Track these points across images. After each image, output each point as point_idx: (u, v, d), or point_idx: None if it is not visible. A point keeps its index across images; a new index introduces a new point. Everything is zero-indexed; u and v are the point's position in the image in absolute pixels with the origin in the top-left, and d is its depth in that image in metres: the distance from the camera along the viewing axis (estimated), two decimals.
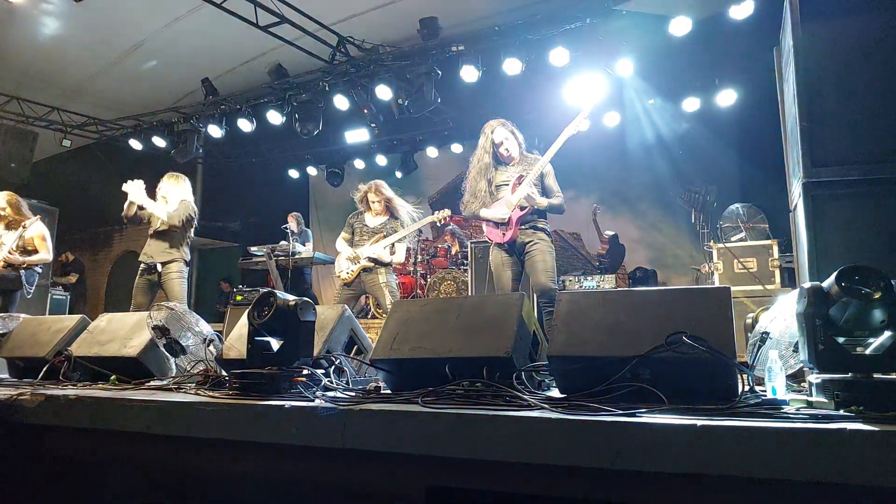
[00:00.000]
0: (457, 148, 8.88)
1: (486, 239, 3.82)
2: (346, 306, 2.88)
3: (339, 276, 4.53)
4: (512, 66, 6.38)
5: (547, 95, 7.03)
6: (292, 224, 7.34)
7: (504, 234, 3.65)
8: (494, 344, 2.05)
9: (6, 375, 3.45)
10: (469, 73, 6.52)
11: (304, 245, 7.31)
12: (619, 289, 3.69)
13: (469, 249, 6.57)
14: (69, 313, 8.12)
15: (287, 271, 6.69)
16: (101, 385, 2.82)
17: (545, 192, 3.69)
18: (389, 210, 4.56)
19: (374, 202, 4.55)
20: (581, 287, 6.08)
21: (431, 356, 2.13)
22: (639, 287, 4.13)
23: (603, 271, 6.99)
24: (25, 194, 8.04)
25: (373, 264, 4.44)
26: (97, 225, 10.80)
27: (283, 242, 6.98)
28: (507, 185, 3.70)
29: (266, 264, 6.93)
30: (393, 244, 4.47)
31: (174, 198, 4.81)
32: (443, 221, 4.48)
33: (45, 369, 3.08)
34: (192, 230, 4.75)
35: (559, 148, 3.60)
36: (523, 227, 3.64)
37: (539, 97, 7.19)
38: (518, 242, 3.65)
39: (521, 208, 3.61)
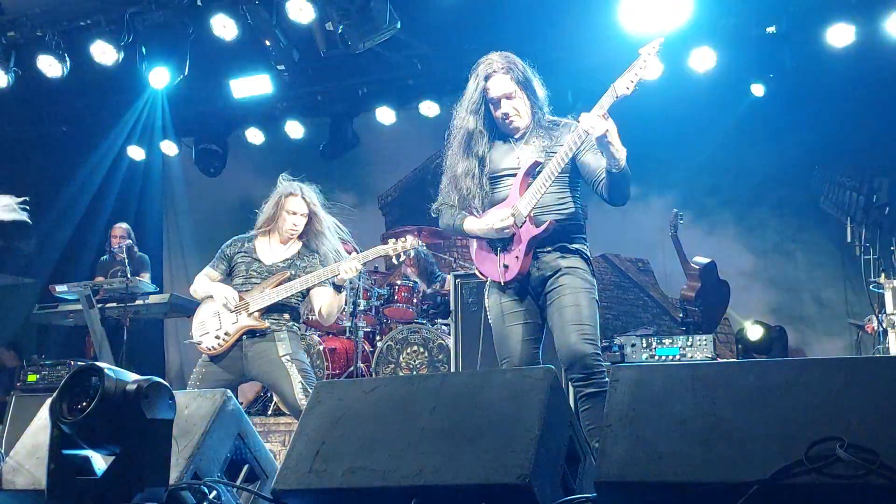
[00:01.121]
0: (429, 108, 8.94)
1: (477, 272, 3.90)
2: (228, 392, 2.94)
3: (199, 344, 4.66)
4: None
5: (588, 16, 7.13)
6: (120, 241, 7.57)
7: (507, 265, 3.69)
8: (501, 462, 2.10)
9: None
10: None
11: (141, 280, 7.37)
12: (719, 360, 3.45)
13: (452, 288, 6.49)
14: None
15: (122, 329, 6.62)
16: None
17: (586, 175, 3.69)
18: (308, 234, 4.79)
19: (294, 216, 4.74)
20: (654, 357, 6.04)
21: (383, 484, 2.19)
22: (755, 358, 3.92)
23: (691, 329, 6.98)
24: None
25: (265, 325, 4.55)
26: None
27: (113, 278, 7.08)
28: (513, 174, 3.74)
29: (82, 316, 6.79)
30: (306, 291, 4.69)
31: None
32: (401, 253, 4.62)
33: None
34: None
35: (608, 107, 3.52)
36: (542, 250, 3.67)
37: (573, 20, 7.28)
38: (534, 277, 3.69)
39: (537, 223, 3.63)
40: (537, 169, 3.66)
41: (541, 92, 3.80)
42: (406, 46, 8.33)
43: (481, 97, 3.75)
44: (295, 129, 9.50)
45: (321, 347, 7.15)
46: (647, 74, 3.51)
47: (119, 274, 7.31)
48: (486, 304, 3.87)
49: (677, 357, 5.92)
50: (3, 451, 2.91)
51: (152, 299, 7.02)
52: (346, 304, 6.87)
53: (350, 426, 2.39)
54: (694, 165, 8.45)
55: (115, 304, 6.81)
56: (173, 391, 2.46)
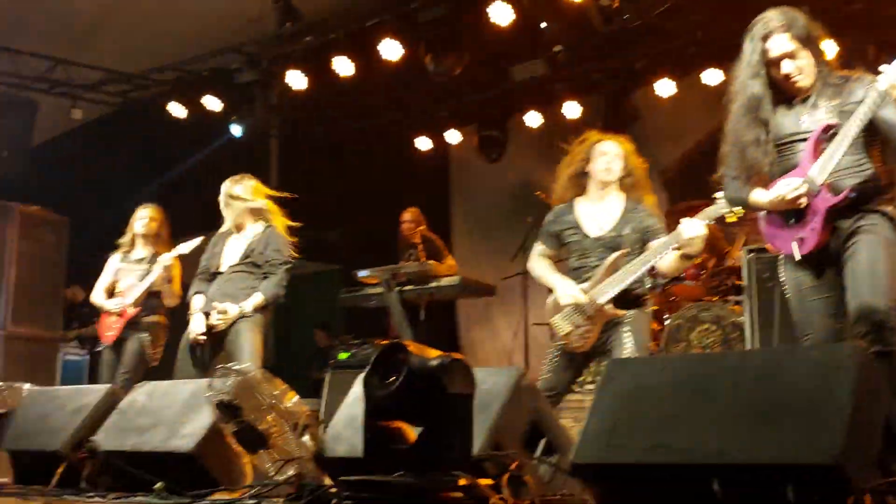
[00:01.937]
0: (712, 76, 8.57)
1: (769, 247, 3.75)
2: (522, 369, 3.03)
3: (563, 338, 4.42)
4: None
5: None
6: (411, 227, 7.82)
7: (802, 238, 3.46)
8: (809, 441, 2.03)
9: (7, 480, 4.00)
10: None
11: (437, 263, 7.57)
12: None
13: (745, 263, 6.32)
14: (88, 382, 8.63)
15: (418, 310, 6.89)
16: (141, 498, 3.14)
17: (886, 132, 3.40)
18: (624, 185, 4.57)
19: (605, 156, 4.56)
20: None
21: (683, 461, 2.17)
22: None
23: None
24: (21, 197, 8.79)
25: (623, 313, 4.33)
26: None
27: (408, 262, 7.37)
28: (802, 139, 3.51)
29: (383, 298, 7.11)
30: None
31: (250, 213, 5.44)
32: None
33: (60, 471, 3.51)
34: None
35: None
36: (840, 220, 3.43)
37: None
38: (832, 248, 3.46)
39: (834, 190, 3.38)
40: (830, 132, 3.41)
41: (827, 47, 3.58)
42: (685, 13, 8.02)
43: (760, 59, 3.53)
44: (572, 110, 9.48)
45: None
46: None
47: (412, 258, 7.60)
48: (782, 280, 3.67)
49: None
50: (325, 422, 3.11)
51: (444, 282, 7.19)
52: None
53: (646, 404, 2.38)
54: None
55: (411, 287, 7.05)
56: (471, 368, 2.55)
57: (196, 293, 5.34)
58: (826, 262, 3.48)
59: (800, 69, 3.48)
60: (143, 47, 9.57)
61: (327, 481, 2.98)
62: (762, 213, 3.67)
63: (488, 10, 7.43)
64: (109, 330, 6.19)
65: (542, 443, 2.90)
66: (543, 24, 7.70)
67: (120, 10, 8.91)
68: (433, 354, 2.50)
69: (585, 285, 4.38)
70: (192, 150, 10.73)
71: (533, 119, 9.71)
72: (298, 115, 10.55)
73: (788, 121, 3.54)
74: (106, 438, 3.63)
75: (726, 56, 8.02)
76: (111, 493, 3.29)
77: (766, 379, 2.24)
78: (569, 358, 4.44)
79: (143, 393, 3.86)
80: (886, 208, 3.42)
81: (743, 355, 2.41)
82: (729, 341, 6.55)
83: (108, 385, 4.08)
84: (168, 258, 5.96)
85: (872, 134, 3.42)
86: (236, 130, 9.47)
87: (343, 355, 6.76)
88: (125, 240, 6.45)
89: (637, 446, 2.27)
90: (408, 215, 8.34)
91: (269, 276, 5.24)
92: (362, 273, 7.37)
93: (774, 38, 3.48)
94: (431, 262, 7.38)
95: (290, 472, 2.99)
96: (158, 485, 3.16)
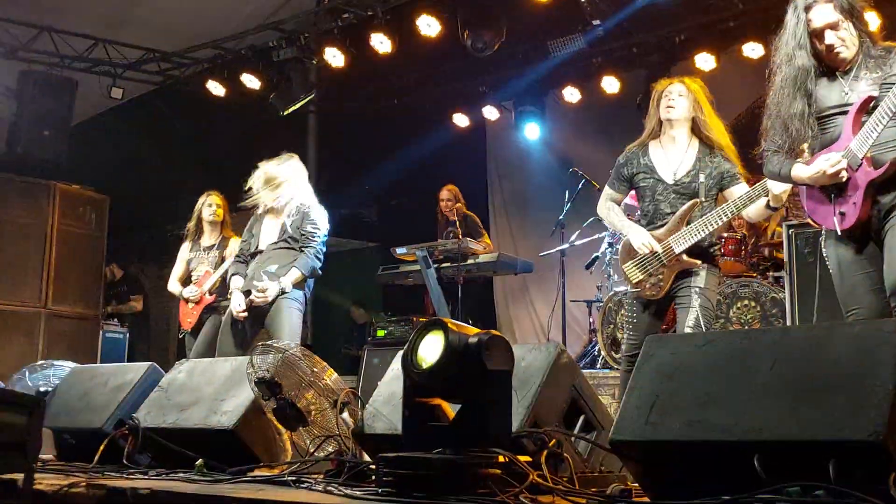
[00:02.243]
0: (752, 49, 8.40)
1: (811, 221, 3.69)
2: (562, 345, 2.96)
3: (634, 281, 4.44)
4: None
5: None
6: (449, 205, 7.82)
7: (843, 212, 3.42)
8: (851, 418, 2.01)
9: (51, 456, 4.06)
10: None
11: (474, 240, 7.62)
12: None
13: (785, 238, 6.22)
14: (128, 360, 8.75)
15: (457, 287, 6.92)
16: (182, 474, 3.17)
17: None
18: (696, 126, 4.56)
19: (668, 98, 4.53)
20: None
21: (723, 438, 2.16)
22: None
23: None
24: (62, 176, 8.90)
25: (697, 262, 4.32)
26: (163, 220, 11.61)
27: (447, 240, 7.35)
28: (843, 112, 3.46)
29: (421, 275, 7.14)
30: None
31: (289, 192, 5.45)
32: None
33: (102, 448, 3.56)
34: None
35: None
36: (881, 194, 3.37)
37: None
38: (874, 222, 3.41)
39: (875, 164, 3.32)
40: (872, 105, 3.34)
41: (871, 18, 3.51)
42: None
43: (804, 30, 3.48)
44: (611, 84, 9.39)
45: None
46: None
47: (450, 235, 7.62)
48: (825, 255, 3.63)
49: None
50: (363, 399, 3.11)
51: (482, 258, 7.24)
52: None
53: (685, 380, 2.36)
54: None
55: (448, 264, 7.10)
56: (509, 344, 2.54)
57: (234, 275, 5.39)
58: (868, 236, 3.44)
59: (842, 40, 3.42)
60: (181, 26, 9.63)
61: (366, 458, 3.00)
62: (803, 188, 3.62)
63: None
64: (189, 317, 6.42)
65: (581, 419, 2.90)
66: None
67: None
68: (471, 332, 2.49)
69: (659, 232, 4.35)
70: (231, 128, 10.81)
71: (571, 94, 9.64)
72: (336, 91, 10.59)
73: (830, 93, 3.49)
74: (147, 415, 3.67)
75: (767, 29, 8.02)
76: (152, 469, 3.34)
77: (808, 355, 2.22)
78: (643, 305, 4.43)
79: (184, 370, 3.90)
80: None
81: (784, 331, 2.38)
82: (768, 318, 6.51)
83: (149, 363, 4.12)
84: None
85: None
86: (277, 108, 9.50)
87: (380, 333, 6.79)
88: (191, 227, 6.61)
89: (676, 423, 2.25)
90: (445, 193, 8.36)
91: (305, 249, 5.28)
92: (400, 250, 7.41)
93: (817, 8, 3.43)
94: (469, 238, 7.38)
95: (330, 449, 3.02)
96: (199, 461, 3.20)
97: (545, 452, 2.49)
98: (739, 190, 4.34)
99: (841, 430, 1.99)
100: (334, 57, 8.82)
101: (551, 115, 10.14)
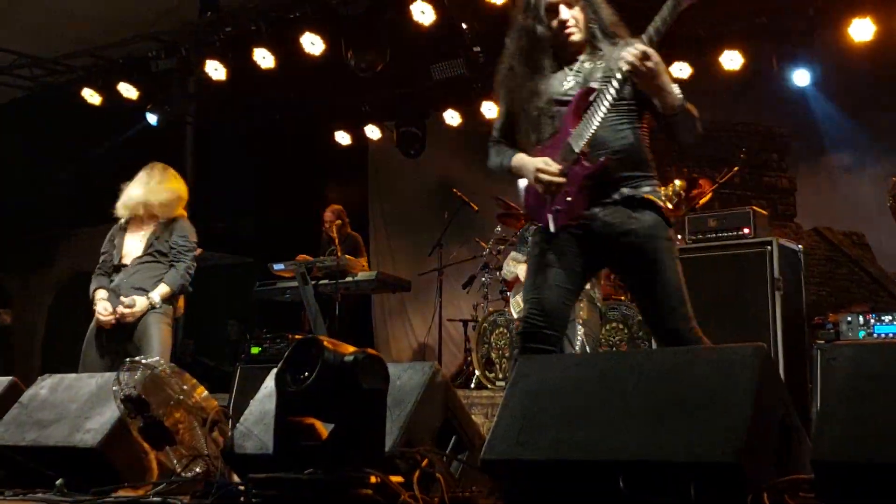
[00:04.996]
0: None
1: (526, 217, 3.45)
2: (437, 365, 2.94)
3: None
4: None
5: None
6: (332, 222, 7.72)
7: (558, 209, 3.16)
8: (711, 439, 2.06)
9: None
10: None
11: (354, 258, 7.61)
12: None
13: None
14: None
15: (334, 304, 6.84)
16: (41, 494, 3.06)
17: (647, 105, 3.18)
18: None
19: None
20: (872, 335, 5.64)
21: (588, 458, 2.19)
22: None
23: None
24: None
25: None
26: (30, 229, 11.19)
27: (326, 256, 7.27)
28: (565, 103, 3.23)
29: (299, 292, 7.05)
30: None
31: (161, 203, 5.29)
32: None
33: None
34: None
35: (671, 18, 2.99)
36: (606, 199, 3.15)
37: None
38: (596, 229, 3.17)
39: (586, 158, 3.10)
40: (592, 97, 3.11)
41: (607, 10, 3.31)
42: None
43: (543, 4, 3.24)
44: (490, 110, 9.49)
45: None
46: None
47: (331, 254, 7.59)
48: (528, 250, 3.44)
49: None
50: (233, 418, 3.06)
51: (360, 276, 7.22)
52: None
53: (554, 400, 2.39)
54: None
55: (326, 281, 7.04)
56: (384, 363, 2.53)
57: (97, 288, 5.17)
58: (584, 236, 3.19)
59: (576, 20, 3.25)
60: (58, 31, 9.32)
61: (235, 479, 2.93)
62: (523, 183, 3.38)
63: (411, 7, 7.44)
64: None
65: (454, 439, 2.90)
66: (464, 25, 7.74)
67: None
68: (348, 350, 2.48)
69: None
70: (105, 137, 10.51)
71: (451, 117, 9.74)
72: (216, 104, 10.41)
73: (555, 82, 3.28)
74: (5, 432, 3.51)
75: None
76: (8, 489, 3.20)
77: (671, 377, 2.27)
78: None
79: (47, 386, 3.74)
80: (654, 197, 3.19)
81: (648, 353, 2.42)
82: (635, 340, 6.66)
83: (9, 378, 3.92)
84: None
85: (639, 104, 3.21)
86: (152, 119, 9.30)
87: (255, 350, 6.68)
88: None
89: (545, 443, 2.28)
90: (329, 214, 8.32)
91: (175, 264, 5.15)
92: (277, 266, 7.35)
93: None
94: (348, 256, 7.36)
95: (198, 469, 2.95)
96: (59, 481, 3.07)
97: (417, 472, 2.45)
98: None
99: (701, 452, 2.04)
100: (216, 70, 8.68)
101: (433, 135, 10.24)
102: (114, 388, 3.10)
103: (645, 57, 2.90)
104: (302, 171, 10.58)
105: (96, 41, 9.41)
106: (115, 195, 5.35)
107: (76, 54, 9.60)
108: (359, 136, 10.37)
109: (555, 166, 3.12)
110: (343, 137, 10.37)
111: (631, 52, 2.92)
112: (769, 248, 5.48)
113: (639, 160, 3.20)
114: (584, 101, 3.13)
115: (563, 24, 3.22)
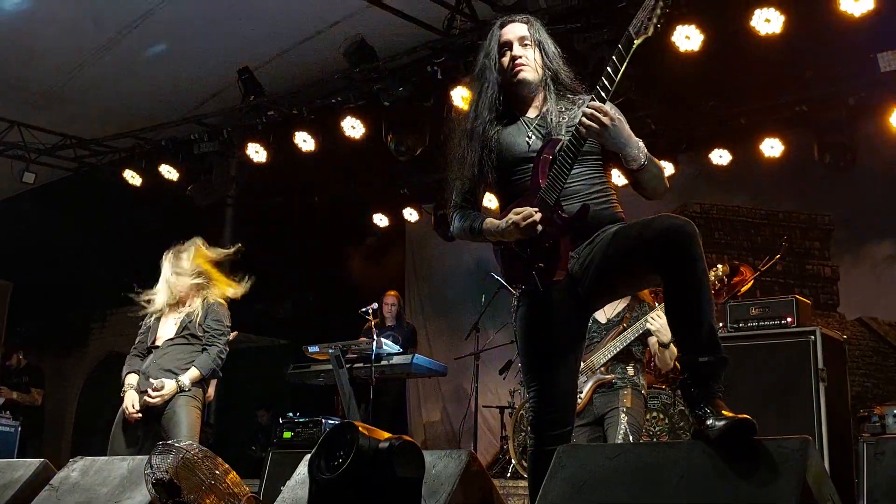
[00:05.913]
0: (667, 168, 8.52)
1: (510, 288, 3.31)
2: (473, 453, 2.93)
3: None
4: None
5: None
6: (392, 310, 7.91)
7: (542, 266, 3.09)
8: None
9: None
10: None
11: (401, 346, 7.54)
12: None
13: None
14: (19, 455, 8.36)
15: (369, 388, 6.80)
16: None
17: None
18: None
19: None
20: None
21: None
22: None
23: None
24: None
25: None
26: (66, 309, 11.31)
27: (361, 339, 7.19)
28: (531, 159, 3.19)
29: (332, 375, 6.99)
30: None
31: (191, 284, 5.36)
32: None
33: None
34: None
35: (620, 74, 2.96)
36: (580, 242, 3.10)
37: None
38: (576, 270, 3.10)
39: (561, 211, 3.04)
40: (557, 148, 3.07)
41: (558, 59, 3.28)
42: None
43: (495, 45, 3.27)
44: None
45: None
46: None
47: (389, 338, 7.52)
48: (516, 321, 3.25)
49: None
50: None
51: (395, 360, 7.10)
52: None
53: (594, 492, 2.35)
54: None
55: (361, 365, 6.95)
56: (420, 450, 2.52)
57: (129, 372, 5.16)
58: (571, 291, 3.12)
59: (527, 58, 3.23)
60: (101, 114, 9.57)
61: None
62: (497, 251, 3.31)
63: (451, 93, 7.56)
64: None
65: None
66: None
67: (80, 77, 8.93)
68: (383, 436, 2.46)
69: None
70: (147, 217, 10.69)
71: (489, 200, 9.71)
72: (256, 185, 10.59)
73: (517, 139, 3.24)
74: None
75: (679, 148, 8.35)
76: None
77: (714, 472, 2.22)
78: None
79: (78, 469, 3.72)
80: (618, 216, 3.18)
81: (691, 445, 2.35)
82: (676, 430, 6.52)
83: (41, 459, 3.90)
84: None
85: (605, 159, 3.21)
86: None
87: (286, 435, 6.60)
88: None
89: None
90: (391, 298, 8.41)
91: (207, 347, 5.15)
92: (312, 349, 7.24)
93: (511, 25, 3.29)
94: (385, 341, 7.29)
95: None
96: None
97: None
98: None
99: None
100: (257, 153, 8.86)
101: None
102: (145, 471, 3.08)
103: (602, 113, 2.89)
104: (338, 253, 10.64)
105: (140, 124, 9.67)
106: (155, 277, 5.39)
107: (119, 136, 9.86)
108: (397, 219, 10.46)
109: (529, 208, 3.04)
110: (381, 220, 10.45)
111: (585, 110, 2.93)
112: (813, 337, 5.40)
113: (612, 212, 3.15)
114: (551, 154, 3.09)
115: (515, 58, 3.22)
